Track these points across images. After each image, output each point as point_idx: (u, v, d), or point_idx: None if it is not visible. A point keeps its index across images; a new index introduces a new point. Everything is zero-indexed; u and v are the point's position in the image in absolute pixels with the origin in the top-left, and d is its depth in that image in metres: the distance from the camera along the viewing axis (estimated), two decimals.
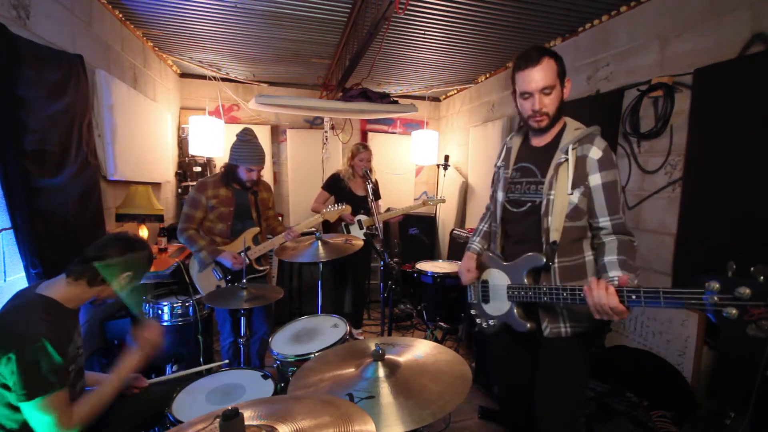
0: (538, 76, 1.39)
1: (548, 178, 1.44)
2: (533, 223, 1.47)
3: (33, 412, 1.21)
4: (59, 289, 1.39)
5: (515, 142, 1.64)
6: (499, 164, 1.68)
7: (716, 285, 0.98)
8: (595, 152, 1.40)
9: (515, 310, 1.48)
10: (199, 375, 1.81)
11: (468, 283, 1.70)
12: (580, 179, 1.40)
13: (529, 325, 1.46)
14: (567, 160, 1.41)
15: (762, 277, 0.92)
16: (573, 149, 1.41)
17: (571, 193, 1.40)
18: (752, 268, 0.95)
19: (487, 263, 1.64)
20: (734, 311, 0.95)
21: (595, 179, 1.40)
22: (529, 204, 1.50)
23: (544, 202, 1.43)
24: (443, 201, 4.06)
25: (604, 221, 1.41)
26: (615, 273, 1.31)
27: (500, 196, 1.61)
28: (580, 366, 1.52)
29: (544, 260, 1.41)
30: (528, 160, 1.55)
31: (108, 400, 1.41)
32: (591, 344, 1.52)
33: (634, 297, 1.15)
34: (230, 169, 2.51)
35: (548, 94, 1.41)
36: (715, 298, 0.98)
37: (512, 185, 1.57)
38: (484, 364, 2.81)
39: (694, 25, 2.10)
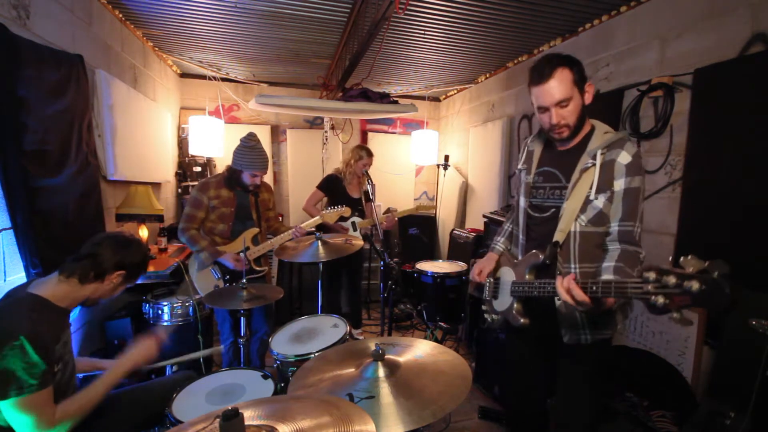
0: (551, 91, 1.35)
1: (572, 183, 1.40)
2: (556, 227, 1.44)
3: (9, 411, 1.18)
4: (50, 287, 1.37)
5: (538, 144, 1.59)
6: (520, 167, 1.64)
7: (652, 275, 1.02)
8: (624, 157, 1.35)
9: (515, 305, 1.51)
10: (199, 373, 1.81)
11: (474, 281, 1.72)
12: (606, 184, 1.36)
13: (522, 320, 1.48)
14: (594, 165, 1.37)
15: (690, 268, 0.96)
16: (602, 154, 1.37)
17: (596, 198, 1.36)
18: (681, 258, 0.98)
19: (502, 262, 1.68)
20: (661, 299, 0.99)
21: (620, 184, 1.35)
22: (553, 210, 1.46)
23: None
24: (433, 207, 4.09)
25: (614, 226, 1.38)
26: (606, 277, 1.29)
27: (522, 201, 1.57)
28: (598, 373, 1.52)
29: (542, 258, 1.41)
30: (551, 165, 1.51)
31: (94, 401, 1.39)
32: (607, 349, 1.54)
33: (594, 288, 1.18)
34: (234, 173, 2.51)
35: (565, 106, 1.36)
36: (649, 287, 1.02)
37: (534, 190, 1.54)
38: (484, 364, 2.81)
39: (694, 25, 2.10)
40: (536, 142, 1.61)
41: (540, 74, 1.36)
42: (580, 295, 1.19)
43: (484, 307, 1.72)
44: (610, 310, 1.27)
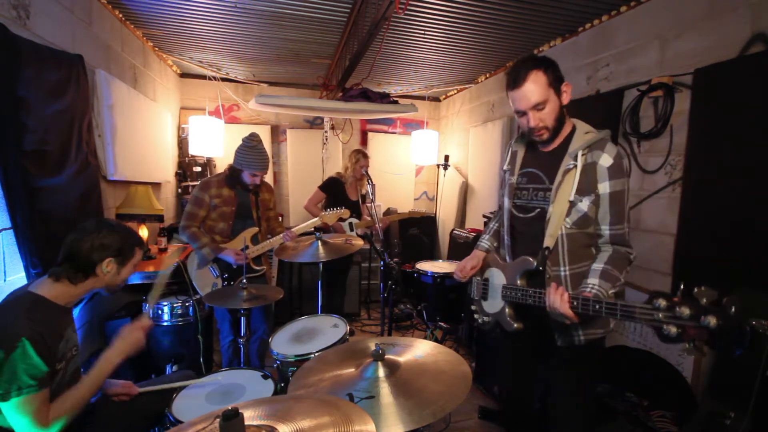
0: (526, 95, 1.35)
1: (555, 185, 1.41)
2: (543, 229, 1.44)
3: (9, 411, 1.19)
4: (48, 287, 1.36)
5: (521, 145, 1.60)
6: (505, 168, 1.65)
7: (663, 302, 1.00)
8: (605, 159, 1.36)
9: (506, 310, 1.50)
10: (199, 373, 1.81)
11: (459, 279, 1.71)
12: (589, 187, 1.37)
13: (516, 325, 1.47)
14: (575, 166, 1.38)
15: (704, 299, 0.94)
16: (582, 155, 1.38)
17: (581, 200, 1.37)
18: (695, 290, 0.96)
19: (490, 262, 1.67)
20: (674, 329, 0.98)
21: (604, 187, 1.37)
22: (538, 210, 1.47)
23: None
24: (424, 213, 4.21)
25: (605, 229, 1.40)
26: (592, 281, 1.31)
27: (507, 202, 1.58)
28: (592, 373, 1.53)
29: (534, 264, 1.42)
30: (534, 166, 1.52)
31: (87, 397, 1.36)
32: (600, 348, 1.54)
33: (597, 307, 1.18)
34: (234, 172, 2.53)
35: (542, 109, 1.37)
36: (660, 315, 1.00)
37: (518, 191, 1.54)
38: (484, 364, 2.81)
39: (694, 25, 2.10)
40: (519, 143, 1.62)
41: (515, 79, 1.37)
42: (566, 309, 1.22)
43: (473, 307, 1.71)
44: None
